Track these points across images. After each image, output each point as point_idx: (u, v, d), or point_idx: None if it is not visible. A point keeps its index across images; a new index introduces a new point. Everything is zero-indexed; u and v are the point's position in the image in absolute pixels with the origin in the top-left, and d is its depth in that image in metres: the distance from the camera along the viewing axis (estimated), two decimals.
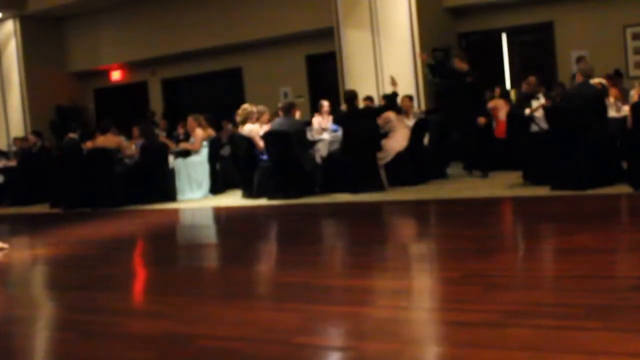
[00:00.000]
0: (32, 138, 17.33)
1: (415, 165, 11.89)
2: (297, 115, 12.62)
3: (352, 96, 11.85)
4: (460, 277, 5.31)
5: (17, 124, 20.86)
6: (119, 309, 5.56)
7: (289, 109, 12.12)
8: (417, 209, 9.79)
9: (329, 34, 16.18)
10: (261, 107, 13.12)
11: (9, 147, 19.17)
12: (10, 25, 20.79)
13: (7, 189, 16.20)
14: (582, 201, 8.70)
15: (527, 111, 11.78)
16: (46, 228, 11.56)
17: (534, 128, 10.44)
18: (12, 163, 16.44)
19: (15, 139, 18.63)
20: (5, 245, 9.24)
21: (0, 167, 16.55)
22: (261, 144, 12.17)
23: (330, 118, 13.44)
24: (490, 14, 16.39)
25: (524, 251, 6.43)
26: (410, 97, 13.72)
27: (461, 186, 11.12)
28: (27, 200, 15.46)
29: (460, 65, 11.90)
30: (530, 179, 10.24)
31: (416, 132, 12.07)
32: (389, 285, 5.54)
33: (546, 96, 12.20)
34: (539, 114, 11.07)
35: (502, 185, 10.61)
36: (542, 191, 9.43)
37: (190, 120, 13.64)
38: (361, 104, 12.62)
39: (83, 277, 7.11)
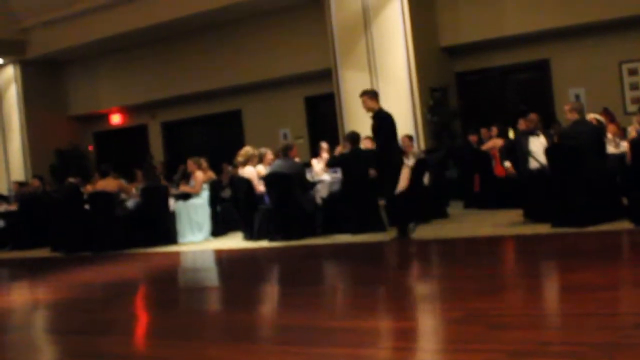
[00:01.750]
0: (35, 182, 17.37)
1: (415, 205, 11.88)
2: (296, 157, 12.67)
3: (355, 138, 11.90)
4: (464, 317, 5.30)
5: (17, 168, 20.91)
6: (121, 354, 5.54)
7: (286, 151, 12.16)
8: (419, 249, 9.79)
9: (328, 75, 16.28)
10: (263, 149, 13.16)
11: (9, 192, 19.19)
12: (10, 71, 20.92)
13: (8, 233, 16.20)
14: (583, 238, 8.71)
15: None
16: (47, 272, 11.54)
17: (534, 164, 10.46)
18: (13, 207, 16.45)
19: (15, 183, 18.66)
20: None
21: (1, 211, 16.56)
22: (260, 187, 12.20)
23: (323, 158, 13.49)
24: (487, 52, 16.48)
25: (526, 290, 6.41)
26: (410, 137, 13.78)
27: (462, 225, 11.13)
28: (28, 244, 15.47)
29: (370, 104, 10.56)
30: (531, 216, 10.25)
31: (416, 172, 12.08)
32: (391, 326, 5.53)
33: (544, 134, 12.23)
34: (536, 147, 11.08)
35: (503, 223, 10.61)
36: (543, 229, 9.43)
37: (190, 163, 13.68)
38: (362, 144, 12.65)
39: (85, 322, 7.09)
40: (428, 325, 5.54)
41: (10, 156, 21.12)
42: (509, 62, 16.52)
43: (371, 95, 10.56)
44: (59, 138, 21.19)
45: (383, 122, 10.27)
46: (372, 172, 10.98)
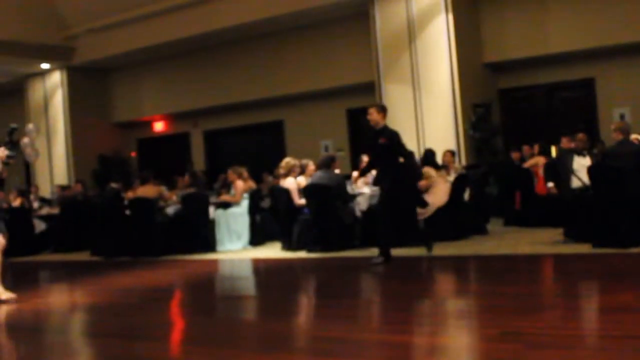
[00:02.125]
0: (77, 186, 17.57)
1: (455, 221, 11.84)
2: (337, 169, 12.68)
3: None
4: (500, 335, 5.26)
5: (61, 172, 21.15)
6: (157, 359, 5.58)
7: (328, 163, 12.18)
8: (457, 265, 9.73)
9: (371, 88, 16.28)
10: (305, 160, 13.19)
11: (52, 195, 19.42)
12: (57, 76, 21.20)
13: (49, 235, 16.39)
14: (625, 259, 8.60)
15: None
16: (86, 276, 11.64)
17: (576, 183, 10.37)
18: (55, 210, 16.64)
19: (58, 187, 18.87)
20: (12, 296, 9.18)
21: (43, 214, 16.76)
22: (297, 199, 12.23)
23: (371, 172, 13.45)
24: (531, 70, 16.39)
25: (565, 309, 6.34)
26: (452, 152, 13.73)
27: (501, 242, 11.05)
28: (68, 247, 15.63)
29: (377, 117, 10.13)
30: (572, 236, 10.15)
31: (456, 187, 12.04)
32: (426, 341, 5.50)
33: (589, 154, 12.12)
34: (580, 167, 10.98)
35: (543, 241, 10.51)
36: (584, 249, 9.34)
37: (231, 172, 13.75)
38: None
39: (121, 326, 7.14)
40: (463, 342, 5.50)
41: (54, 160, 21.39)
42: (554, 80, 16.40)
43: (380, 109, 10.33)
44: (102, 144, 21.42)
45: (396, 139, 10.06)
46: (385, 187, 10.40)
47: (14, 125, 9.38)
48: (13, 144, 9.25)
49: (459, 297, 7.62)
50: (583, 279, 7.87)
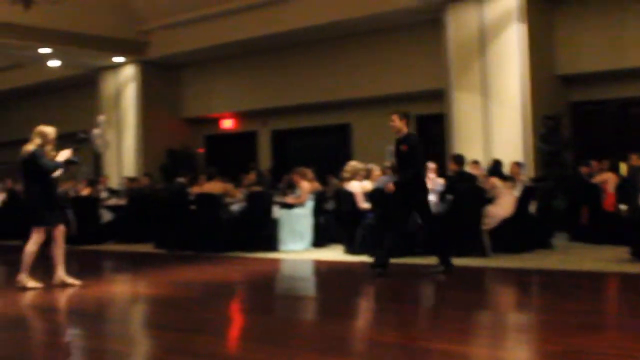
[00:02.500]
0: (144, 179, 17.81)
1: (519, 233, 11.72)
2: None
3: (460, 160, 11.85)
4: (562, 352, 5.19)
5: (129, 164, 21.46)
6: (214, 354, 5.62)
7: (395, 168, 12.14)
8: (519, 278, 9.62)
9: (439, 95, 16.20)
10: (371, 165, 13.18)
11: (120, 186, 19.71)
12: (130, 70, 21.50)
13: (115, 226, 16.64)
14: None
15: None
16: (149, 267, 11.78)
17: None
18: (122, 202, 16.89)
19: (126, 179, 19.14)
20: (77, 282, 9.49)
21: (110, 205, 17.02)
22: (361, 202, 12.22)
23: (437, 180, 13.39)
24: (605, 83, 16.09)
25: (628, 329, 6.23)
26: (518, 164, 13.58)
27: (566, 257, 10.90)
28: (133, 238, 15.85)
29: (399, 124, 10.04)
30: (639, 255, 9.97)
31: (523, 200, 11.91)
32: (484, 353, 5.46)
33: None
34: None
35: (609, 259, 10.34)
36: None
37: (296, 174, 13.80)
38: (468, 168, 12.56)
39: (181, 319, 7.22)
40: (523, 356, 5.44)
41: (123, 152, 21.70)
42: (628, 95, 16.08)
43: (402, 116, 10.12)
44: (171, 138, 21.66)
45: (418, 147, 9.91)
46: (390, 187, 10.29)
47: (83, 135, 9.60)
48: (78, 153, 9.48)
49: (520, 311, 7.54)
50: None
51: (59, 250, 9.50)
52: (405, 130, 10.01)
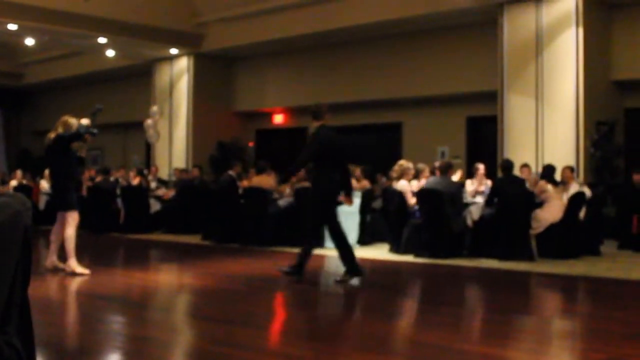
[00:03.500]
0: (194, 170, 17.97)
1: (567, 239, 11.61)
2: (455, 176, 12.61)
3: (509, 165, 11.78)
4: None
5: (180, 155, 21.62)
6: (256, 347, 5.66)
7: (446, 169, 12.11)
8: (566, 284, 9.53)
9: (492, 97, 16.08)
10: (421, 165, 13.15)
11: (170, 177, 19.88)
12: (184, 62, 21.66)
13: (163, 216, 16.81)
14: None
15: None
16: (195, 258, 11.88)
17: None
18: (171, 193, 17.05)
19: (176, 169, 19.31)
20: (86, 271, 9.61)
21: (159, 194, 17.19)
22: (412, 201, 12.18)
23: (485, 182, 13.32)
24: None
25: None
26: (571, 169, 13.44)
27: (613, 265, 10.77)
28: (180, 229, 16.01)
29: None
30: None
31: (572, 205, 11.80)
32: (527, 358, 5.42)
33: None
34: None
35: None
36: None
37: None
38: (517, 172, 12.47)
39: (225, 311, 7.27)
40: None
41: (174, 143, 21.88)
42: None
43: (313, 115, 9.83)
44: (221, 131, 21.78)
45: (312, 144, 9.54)
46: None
47: (99, 105, 9.82)
48: (94, 123, 9.65)
49: (565, 317, 7.47)
50: None
51: (61, 236, 9.72)
52: (316, 125, 9.75)
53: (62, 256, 9.74)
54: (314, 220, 9.48)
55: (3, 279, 1.35)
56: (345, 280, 9.11)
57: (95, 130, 9.54)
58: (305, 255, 9.30)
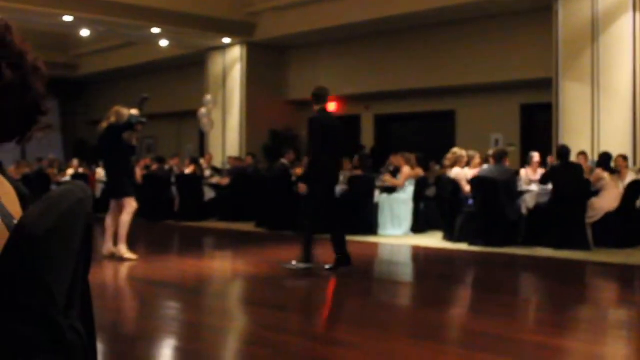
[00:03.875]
0: (248, 159, 18.08)
1: (624, 228, 11.46)
2: (507, 164, 12.52)
3: (565, 151, 11.65)
4: None
5: (233, 144, 21.74)
6: (309, 333, 5.69)
7: (501, 157, 12.01)
8: (622, 273, 9.41)
9: (547, 84, 15.89)
10: (472, 152, 13.08)
11: (224, 165, 20.02)
12: (237, 51, 21.76)
13: (217, 204, 16.95)
14: None
15: None
16: (249, 246, 11.96)
17: None
18: (225, 181, 17.17)
19: (230, 158, 19.44)
20: (134, 257, 9.83)
21: (214, 182, 17.32)
22: (467, 188, 12.12)
23: (539, 170, 13.21)
24: None
25: None
26: (624, 157, 13.26)
27: None
28: (234, 216, 16.12)
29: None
30: None
31: (629, 194, 11.64)
32: (583, 348, 5.37)
33: None
34: None
35: None
36: None
37: (399, 157, 13.78)
38: (574, 159, 12.34)
39: (278, 298, 7.33)
40: (621, 353, 5.34)
41: (227, 132, 22.00)
42: None
43: (313, 97, 10.05)
44: (274, 119, 21.85)
45: (317, 131, 9.51)
46: (302, 187, 9.87)
47: (145, 95, 10.09)
48: (142, 113, 9.88)
49: (621, 307, 7.38)
50: None
51: (116, 223, 9.96)
52: (315, 109, 9.87)
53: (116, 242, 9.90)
54: (314, 206, 9.38)
55: (67, 266, 1.38)
56: (334, 269, 9.03)
57: (144, 119, 9.79)
58: (308, 243, 9.23)
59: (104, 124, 9.89)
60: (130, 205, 9.85)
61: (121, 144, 9.88)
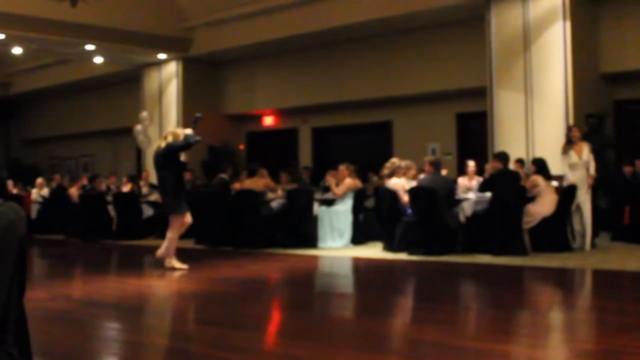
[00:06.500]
0: (186, 175, 17.94)
1: (560, 232, 11.64)
2: (444, 173, 12.63)
3: (505, 157, 11.82)
4: (600, 352, 5.16)
5: None
6: (252, 349, 5.66)
7: (439, 166, 12.13)
8: (559, 277, 9.55)
9: (481, 93, 16.09)
10: (408, 162, 13.16)
11: None
12: (173, 66, 21.64)
13: (156, 221, 16.78)
14: None
15: None
16: (189, 263, 11.81)
17: None
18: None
19: None
20: (184, 266, 10.69)
21: (151, 200, 17.16)
22: (405, 198, 12.19)
23: (476, 178, 13.37)
24: None
25: None
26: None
27: (607, 257, 10.80)
28: None
29: None
30: None
31: (565, 199, 11.82)
32: (524, 352, 5.43)
33: None
34: None
35: None
36: None
37: (342, 168, 13.81)
38: (512, 167, 12.50)
39: (221, 315, 7.27)
40: (561, 356, 5.41)
41: None
42: None
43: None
44: (212, 134, 21.71)
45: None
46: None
47: (198, 114, 11.00)
48: (195, 131, 10.62)
49: (560, 310, 7.48)
50: None
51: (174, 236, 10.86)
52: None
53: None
54: None
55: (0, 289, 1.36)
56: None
57: (199, 138, 10.52)
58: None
59: (162, 144, 10.64)
60: (177, 221, 10.72)
61: (178, 162, 10.69)
